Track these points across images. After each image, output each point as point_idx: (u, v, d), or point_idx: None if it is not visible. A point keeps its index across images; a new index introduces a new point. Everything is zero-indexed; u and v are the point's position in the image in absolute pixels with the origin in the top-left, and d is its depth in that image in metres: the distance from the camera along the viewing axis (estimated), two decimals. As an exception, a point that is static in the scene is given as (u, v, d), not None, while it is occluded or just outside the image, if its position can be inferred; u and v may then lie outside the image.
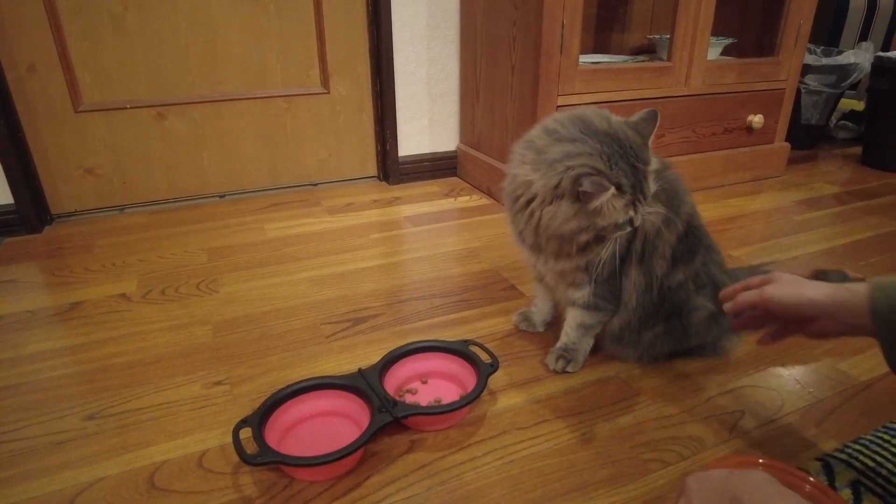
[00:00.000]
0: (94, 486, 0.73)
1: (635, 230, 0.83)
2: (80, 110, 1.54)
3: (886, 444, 0.77)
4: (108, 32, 1.51)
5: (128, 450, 0.79)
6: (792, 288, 0.69)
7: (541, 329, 1.06)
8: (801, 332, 0.71)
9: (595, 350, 0.98)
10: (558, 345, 0.96)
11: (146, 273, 1.30)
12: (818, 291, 0.67)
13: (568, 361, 0.94)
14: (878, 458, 0.74)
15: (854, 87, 2.38)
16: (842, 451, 0.76)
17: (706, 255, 0.90)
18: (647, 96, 1.66)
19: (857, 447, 0.76)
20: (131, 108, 1.59)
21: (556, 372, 0.94)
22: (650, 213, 0.82)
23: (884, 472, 0.72)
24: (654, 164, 0.81)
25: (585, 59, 1.78)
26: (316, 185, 1.91)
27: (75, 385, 0.92)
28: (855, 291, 0.64)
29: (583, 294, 0.89)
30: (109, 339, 1.04)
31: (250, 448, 0.72)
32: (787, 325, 0.74)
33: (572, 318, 0.93)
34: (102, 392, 0.90)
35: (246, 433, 0.73)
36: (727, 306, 0.76)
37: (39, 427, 0.83)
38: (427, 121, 1.92)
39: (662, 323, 0.90)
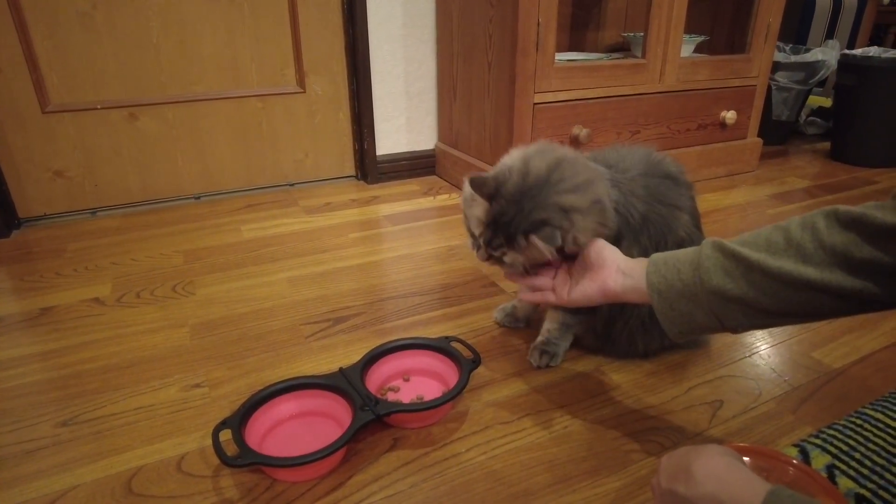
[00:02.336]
0: (68, 494, 0.71)
1: None
2: (48, 111, 1.51)
3: (859, 429, 0.78)
4: (76, 31, 1.47)
5: (103, 456, 0.77)
6: (590, 283, 0.74)
7: (522, 325, 1.07)
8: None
9: (575, 345, 0.98)
10: (539, 340, 0.97)
11: (120, 276, 1.27)
12: (616, 283, 0.71)
13: (551, 357, 0.94)
14: (852, 443, 0.76)
15: (822, 84, 2.44)
16: (817, 437, 0.77)
17: None
18: (622, 93, 1.68)
19: (832, 432, 0.78)
20: (102, 108, 1.56)
21: (538, 367, 0.94)
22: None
23: (857, 455, 0.74)
24: (644, 192, 0.85)
25: (561, 56, 1.79)
26: (293, 185, 1.89)
27: (47, 392, 0.89)
28: (641, 275, 0.69)
29: None
30: (83, 344, 1.02)
31: (230, 450, 0.70)
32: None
33: (553, 317, 0.94)
34: (76, 398, 0.88)
35: (226, 435, 0.72)
36: (523, 294, 0.84)
37: (10, 435, 0.80)
38: (405, 119, 1.92)
39: (650, 321, 0.91)
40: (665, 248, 0.84)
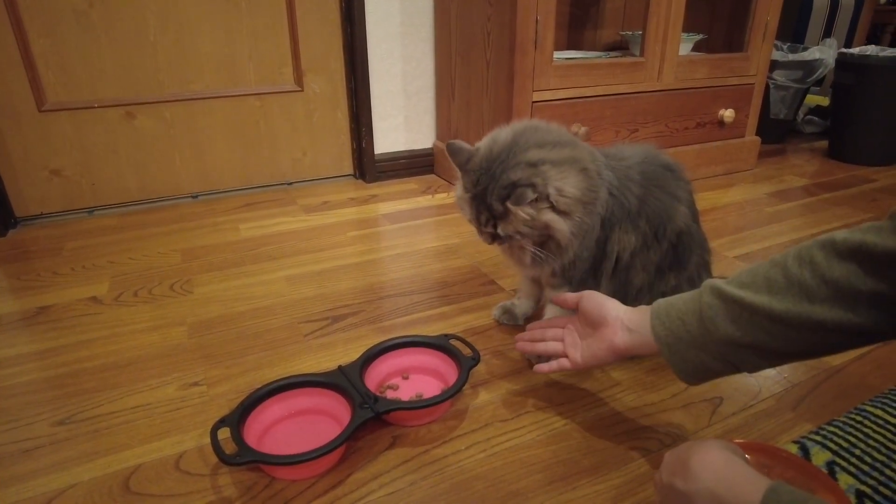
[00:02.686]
0: (65, 493, 0.70)
1: (604, 255, 0.85)
2: (44, 110, 1.50)
3: (859, 426, 0.78)
4: (73, 29, 1.47)
5: (101, 455, 0.76)
6: (598, 343, 0.73)
7: (521, 322, 1.06)
8: None
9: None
10: None
11: (118, 275, 1.27)
12: (623, 341, 0.69)
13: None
14: (852, 439, 0.76)
15: (819, 82, 2.44)
16: (817, 434, 0.77)
17: (701, 257, 0.91)
18: (620, 91, 1.68)
19: (832, 429, 0.78)
20: (99, 107, 1.55)
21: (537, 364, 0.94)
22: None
23: (857, 451, 0.74)
24: (640, 177, 0.85)
25: (559, 55, 1.79)
26: (291, 184, 1.88)
27: (44, 390, 0.89)
28: (646, 328, 0.67)
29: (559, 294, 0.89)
30: (80, 343, 1.01)
31: (229, 448, 0.70)
32: None
33: (552, 311, 0.94)
34: (73, 397, 0.87)
35: (224, 433, 0.72)
36: (538, 367, 0.81)
37: (6, 434, 0.80)
38: (403, 118, 1.91)
39: None
40: (664, 236, 0.85)
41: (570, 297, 0.78)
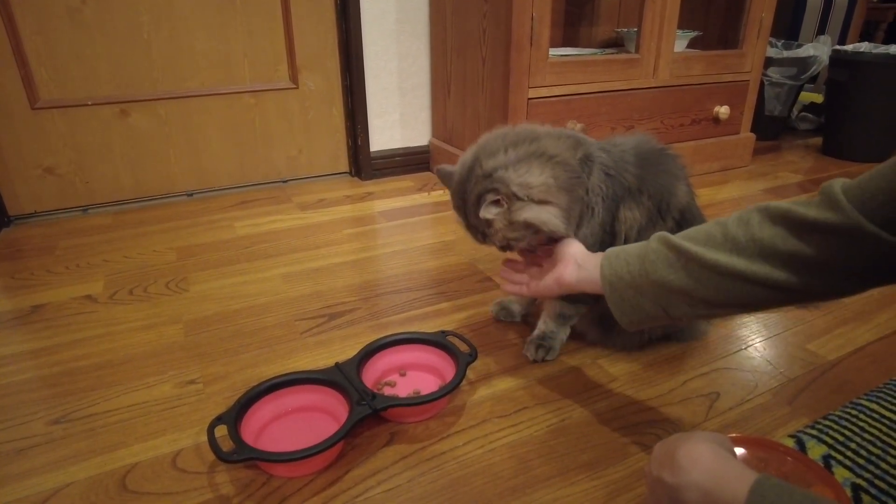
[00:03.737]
0: (61, 492, 0.70)
1: (613, 238, 0.85)
2: (38, 107, 1.49)
3: (854, 419, 0.79)
4: (66, 26, 1.46)
5: (97, 453, 0.76)
6: (549, 275, 0.80)
7: (518, 318, 1.06)
8: None
9: (574, 337, 0.98)
10: (536, 333, 0.96)
11: (113, 273, 1.26)
12: (571, 275, 0.76)
13: (547, 350, 0.94)
14: (847, 433, 0.76)
15: (813, 79, 2.45)
16: (813, 427, 0.78)
17: None
18: (616, 88, 1.68)
19: (828, 423, 0.78)
20: (92, 104, 1.54)
21: (535, 362, 0.94)
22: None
23: (853, 445, 0.74)
24: (634, 157, 0.86)
25: (555, 52, 1.79)
26: (286, 181, 1.88)
27: (38, 389, 0.88)
28: (595, 267, 0.73)
29: None
30: (75, 342, 1.01)
31: (226, 446, 0.70)
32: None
33: (551, 307, 0.94)
34: (68, 395, 0.87)
35: (221, 431, 0.72)
36: (504, 286, 0.89)
37: (1, 434, 0.79)
38: (398, 115, 1.91)
39: None
40: (668, 212, 0.86)
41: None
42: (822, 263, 0.56)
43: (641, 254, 0.68)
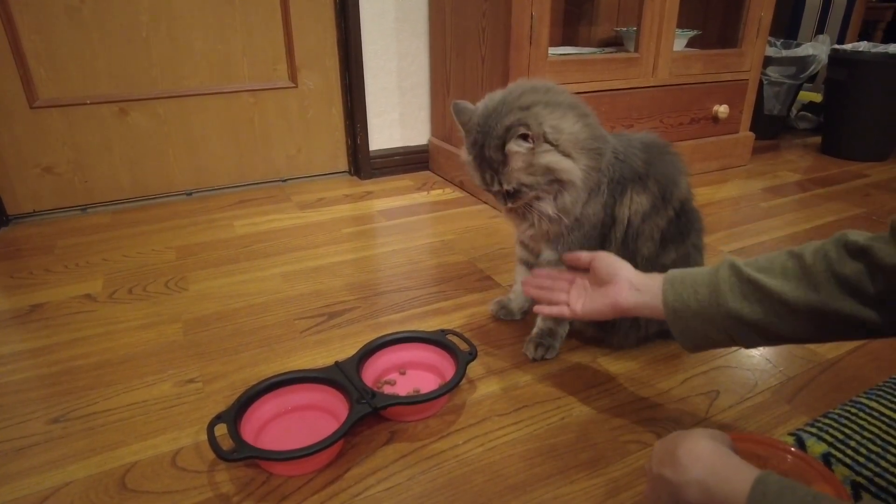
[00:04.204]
0: (60, 491, 0.70)
1: (614, 222, 0.85)
2: (36, 106, 1.49)
3: (854, 418, 0.79)
4: (64, 25, 1.45)
5: (96, 452, 0.76)
6: (602, 298, 0.75)
7: (518, 317, 1.06)
8: None
9: (572, 336, 0.98)
10: (535, 332, 0.96)
11: (112, 273, 1.26)
12: (627, 299, 0.72)
13: (546, 349, 0.94)
14: (847, 431, 0.76)
15: (812, 78, 2.45)
16: (812, 426, 0.78)
17: (697, 237, 0.92)
18: (615, 87, 1.68)
19: (827, 421, 0.78)
20: (91, 103, 1.54)
21: (534, 360, 0.94)
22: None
23: (852, 443, 0.74)
24: (640, 146, 0.87)
25: (554, 51, 1.79)
26: (285, 180, 1.87)
27: (38, 389, 0.88)
28: (655, 292, 0.70)
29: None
30: (74, 341, 1.00)
31: (226, 444, 0.70)
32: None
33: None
34: (67, 395, 0.87)
35: (221, 430, 0.71)
36: (539, 309, 0.84)
37: (0, 433, 0.79)
38: (398, 114, 1.91)
39: None
40: (670, 201, 0.87)
41: (583, 255, 0.80)
42: None
43: (711, 282, 0.65)
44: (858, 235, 0.58)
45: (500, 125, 0.78)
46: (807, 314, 0.59)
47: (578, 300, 0.79)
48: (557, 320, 0.94)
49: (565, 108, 0.81)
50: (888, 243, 0.55)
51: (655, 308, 0.69)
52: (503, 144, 0.78)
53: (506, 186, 0.82)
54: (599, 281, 0.77)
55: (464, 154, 0.86)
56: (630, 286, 0.73)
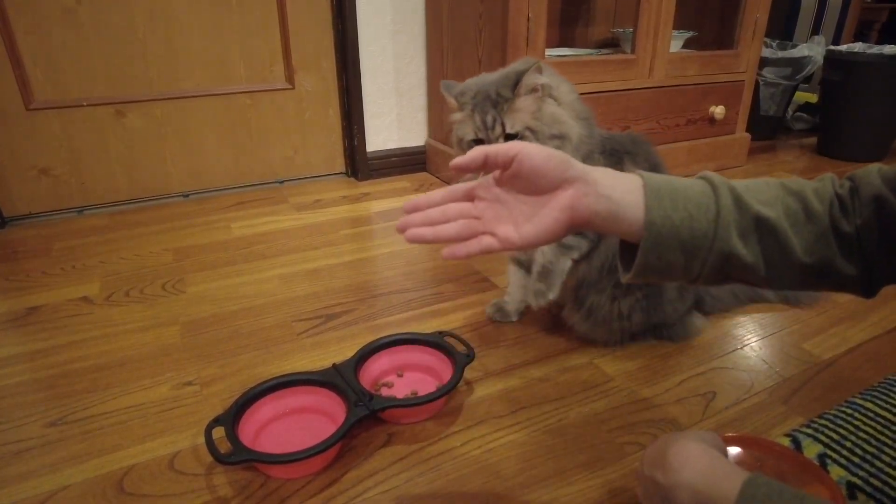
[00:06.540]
0: (58, 495, 0.70)
1: None
2: (32, 108, 1.48)
3: (849, 418, 0.79)
4: (60, 27, 1.45)
5: (94, 455, 0.76)
6: (548, 217, 0.51)
7: (514, 318, 1.07)
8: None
9: (566, 336, 0.99)
10: (534, 269, 0.90)
11: (109, 275, 1.26)
12: (594, 207, 0.50)
13: (548, 287, 0.88)
14: (843, 432, 0.77)
15: (808, 79, 2.46)
16: (808, 426, 0.78)
17: None
18: (612, 88, 1.69)
19: (823, 422, 0.79)
20: (88, 105, 1.54)
21: (539, 307, 0.90)
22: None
23: (848, 444, 0.75)
24: (621, 133, 0.93)
25: (551, 52, 1.79)
26: (282, 182, 1.87)
27: (34, 392, 0.88)
28: (630, 201, 0.50)
29: None
30: (71, 344, 1.00)
31: (224, 447, 0.70)
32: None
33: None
34: (65, 398, 0.87)
35: (219, 433, 0.72)
36: (447, 252, 0.53)
37: (-3, 436, 0.79)
38: (395, 116, 1.91)
39: (636, 290, 0.93)
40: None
41: (491, 149, 0.51)
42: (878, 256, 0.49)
43: (709, 207, 0.50)
44: (865, 180, 0.50)
45: (510, 75, 0.83)
46: (805, 268, 0.50)
47: (506, 222, 0.52)
48: (558, 250, 0.87)
49: (561, 80, 0.89)
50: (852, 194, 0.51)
51: (626, 223, 0.50)
52: (516, 83, 0.81)
53: (509, 129, 0.82)
54: (534, 186, 0.51)
55: (456, 115, 0.88)
56: (593, 188, 0.50)
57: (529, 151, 0.50)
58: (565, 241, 0.87)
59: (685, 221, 0.49)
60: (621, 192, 0.50)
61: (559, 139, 0.83)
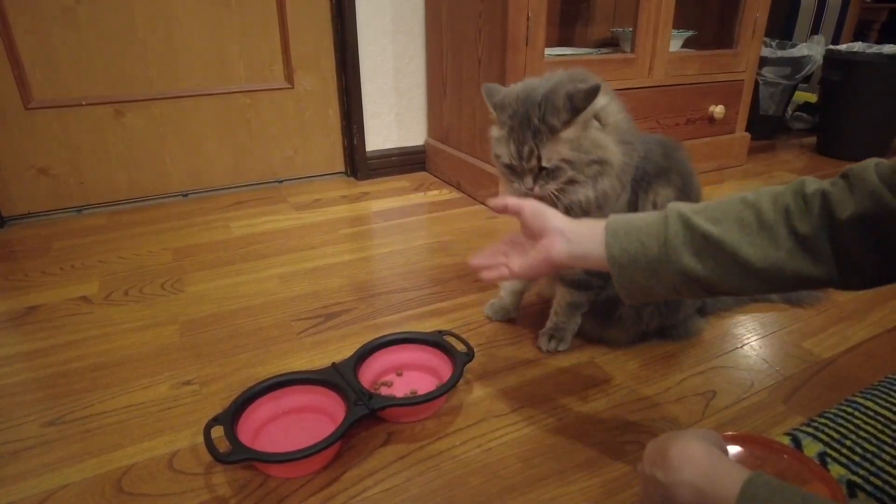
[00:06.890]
0: (56, 495, 0.70)
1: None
2: (31, 107, 1.48)
3: (850, 417, 0.79)
4: (60, 26, 1.45)
5: (92, 455, 0.75)
6: (532, 258, 0.69)
7: (514, 314, 1.06)
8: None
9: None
10: (548, 325, 0.98)
11: (108, 274, 1.25)
12: (560, 252, 0.66)
13: (559, 341, 0.96)
14: (843, 430, 0.77)
15: (807, 79, 2.46)
16: (808, 425, 0.78)
17: None
18: (612, 88, 1.68)
19: (823, 421, 0.79)
20: (87, 105, 1.54)
21: (548, 352, 0.96)
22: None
23: (848, 443, 0.75)
24: (657, 142, 0.89)
25: (551, 51, 1.79)
26: (281, 181, 1.87)
27: (33, 391, 0.88)
28: (592, 242, 0.64)
29: (569, 271, 0.90)
30: (70, 343, 1.00)
31: (223, 446, 0.69)
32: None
33: (561, 296, 0.95)
34: (63, 397, 0.86)
35: (218, 432, 0.71)
36: (482, 274, 0.74)
37: (-4, 436, 0.79)
38: (394, 115, 1.91)
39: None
40: (691, 192, 0.89)
41: (510, 202, 0.72)
42: (865, 255, 0.53)
43: (660, 235, 0.60)
44: (817, 185, 0.56)
45: (557, 95, 0.76)
46: (763, 272, 0.56)
47: (516, 259, 0.72)
48: (569, 309, 0.95)
49: (612, 96, 0.83)
50: (843, 191, 0.53)
51: (594, 259, 0.64)
52: (566, 110, 0.76)
53: (545, 162, 0.78)
54: (532, 235, 0.70)
55: (494, 131, 0.84)
56: (562, 237, 0.66)
57: (525, 210, 0.70)
58: (572, 301, 0.94)
59: (639, 250, 0.61)
60: (587, 237, 0.65)
61: (598, 164, 0.79)
